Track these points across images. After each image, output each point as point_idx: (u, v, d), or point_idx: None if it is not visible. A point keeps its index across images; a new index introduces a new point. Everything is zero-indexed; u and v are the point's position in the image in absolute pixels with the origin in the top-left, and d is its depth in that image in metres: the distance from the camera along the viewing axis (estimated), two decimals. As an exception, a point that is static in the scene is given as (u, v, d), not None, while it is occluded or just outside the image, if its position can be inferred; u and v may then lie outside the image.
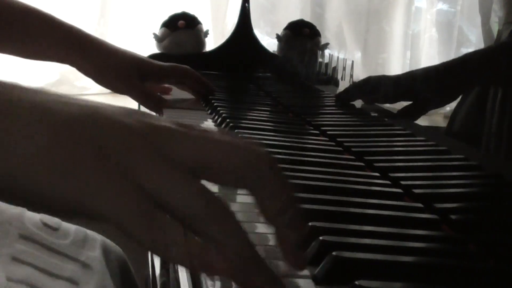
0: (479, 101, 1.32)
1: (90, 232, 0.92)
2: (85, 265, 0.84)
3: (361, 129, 0.96)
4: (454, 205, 0.58)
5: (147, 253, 0.52)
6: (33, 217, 0.89)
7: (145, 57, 1.09)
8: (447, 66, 1.11)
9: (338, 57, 1.33)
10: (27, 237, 0.84)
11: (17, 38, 1.01)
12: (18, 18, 0.99)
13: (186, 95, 1.14)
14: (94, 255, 0.87)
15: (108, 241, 0.94)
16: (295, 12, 1.89)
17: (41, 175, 0.36)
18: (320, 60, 1.43)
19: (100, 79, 1.04)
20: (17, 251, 0.81)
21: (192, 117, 1.00)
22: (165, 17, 1.46)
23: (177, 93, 1.15)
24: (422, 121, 1.09)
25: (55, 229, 0.88)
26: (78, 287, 0.80)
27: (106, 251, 0.91)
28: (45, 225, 0.88)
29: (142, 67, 1.03)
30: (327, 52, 1.45)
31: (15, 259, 0.79)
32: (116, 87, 1.05)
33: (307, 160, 0.72)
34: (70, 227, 0.91)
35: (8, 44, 1.02)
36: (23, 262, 0.79)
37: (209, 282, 0.40)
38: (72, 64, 1.02)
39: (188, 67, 1.09)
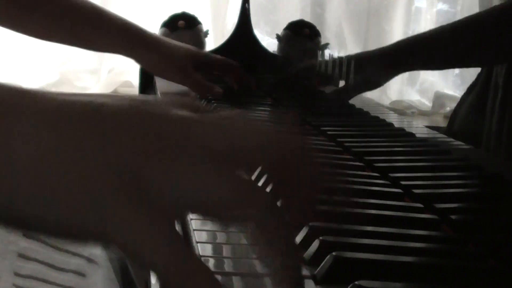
0: (479, 101, 1.32)
1: None
2: (90, 260, 0.85)
3: (361, 129, 0.96)
4: (454, 205, 0.58)
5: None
6: None
7: (197, 49, 1.17)
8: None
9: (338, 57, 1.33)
10: (30, 236, 0.85)
11: (81, 30, 1.07)
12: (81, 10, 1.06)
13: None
14: (97, 252, 0.88)
15: None
16: (295, 12, 1.89)
17: (45, 185, 0.30)
18: (320, 60, 1.43)
19: (158, 70, 1.11)
20: (23, 248, 0.82)
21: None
22: (165, 17, 1.46)
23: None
24: (422, 121, 1.09)
25: None
26: (85, 279, 0.81)
27: (108, 250, 0.92)
28: None
29: (196, 58, 1.10)
30: (327, 52, 1.44)
31: (22, 256, 0.81)
32: (173, 77, 1.11)
33: (307, 160, 0.72)
34: None
35: (69, 34, 1.07)
36: (29, 258, 0.81)
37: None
38: (132, 55, 1.08)
39: (234, 63, 1.16)
